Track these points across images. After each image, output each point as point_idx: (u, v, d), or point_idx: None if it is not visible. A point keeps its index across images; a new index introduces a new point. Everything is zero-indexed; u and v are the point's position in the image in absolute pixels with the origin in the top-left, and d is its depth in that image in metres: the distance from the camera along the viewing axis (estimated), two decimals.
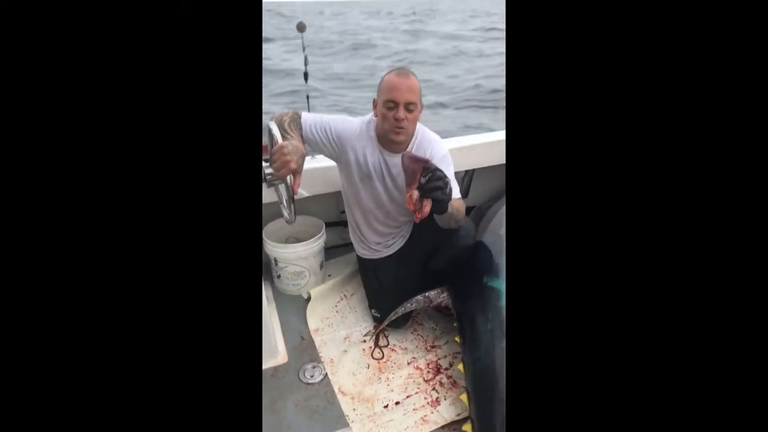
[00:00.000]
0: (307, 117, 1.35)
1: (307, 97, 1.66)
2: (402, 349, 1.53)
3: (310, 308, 1.69)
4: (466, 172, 1.94)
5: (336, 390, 1.36)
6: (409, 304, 1.46)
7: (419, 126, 1.37)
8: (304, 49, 1.55)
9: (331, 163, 1.52)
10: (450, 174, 1.34)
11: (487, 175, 2.00)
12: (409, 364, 1.46)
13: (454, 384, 1.38)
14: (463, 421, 1.20)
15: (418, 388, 1.37)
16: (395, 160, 1.37)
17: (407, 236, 1.59)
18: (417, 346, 1.53)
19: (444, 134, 1.54)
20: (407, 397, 1.34)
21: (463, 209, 1.33)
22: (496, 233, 1.48)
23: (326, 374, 1.41)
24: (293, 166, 1.06)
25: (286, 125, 1.28)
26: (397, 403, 1.32)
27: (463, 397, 1.21)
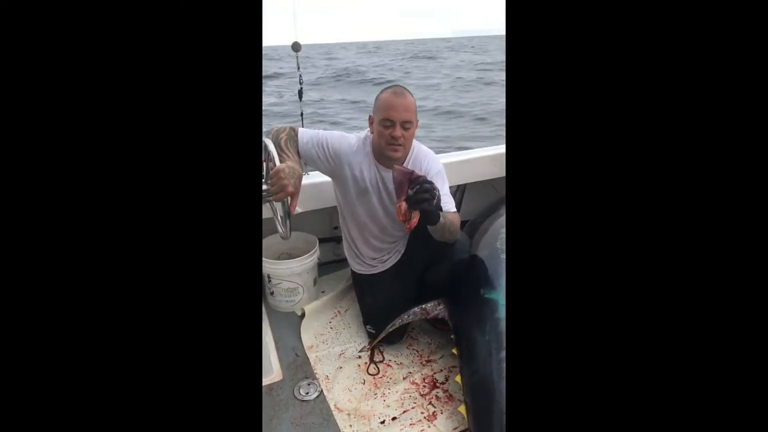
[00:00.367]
0: (303, 133, 1.37)
1: (302, 114, 1.69)
2: (397, 364, 1.52)
3: (304, 325, 1.67)
4: (458, 186, 1.97)
5: (332, 407, 1.34)
6: (406, 316, 1.46)
7: (415, 142, 1.40)
8: (298, 68, 1.58)
9: (325, 178, 1.53)
10: (445, 189, 1.37)
11: (478, 189, 2.04)
12: (404, 379, 1.45)
13: (450, 398, 1.37)
14: None
15: (415, 402, 1.36)
16: (391, 176, 1.39)
17: (402, 251, 1.60)
18: (412, 361, 1.53)
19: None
20: (404, 412, 1.33)
21: (458, 222, 1.35)
22: (491, 246, 1.50)
23: (321, 391, 1.39)
24: (291, 189, 1.08)
25: (282, 144, 1.29)
26: (394, 418, 1.31)
27: (461, 409, 1.21)
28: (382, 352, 1.55)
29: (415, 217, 1.08)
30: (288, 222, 1.21)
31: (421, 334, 1.65)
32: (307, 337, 1.63)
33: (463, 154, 2.00)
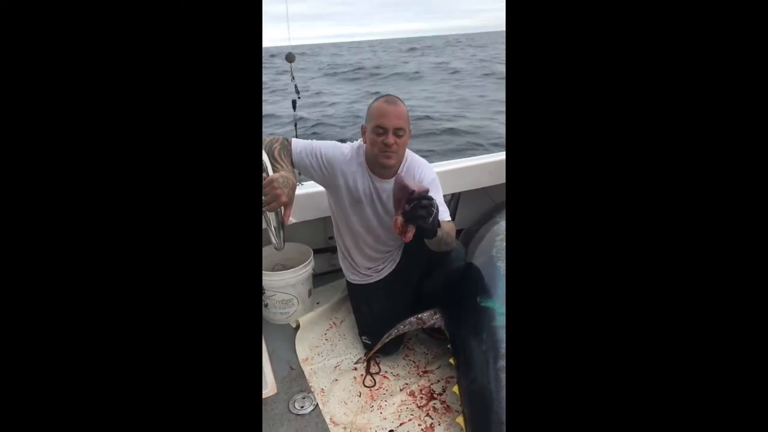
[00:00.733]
0: (297, 142, 1.36)
1: (295, 124, 1.68)
2: (394, 375, 1.50)
3: (299, 337, 1.65)
4: (453, 195, 1.97)
5: (327, 420, 1.31)
6: (402, 326, 1.45)
7: (408, 151, 1.40)
8: (293, 78, 1.59)
9: (319, 188, 1.53)
10: (439, 198, 1.36)
11: (473, 197, 2.04)
12: (401, 390, 1.43)
13: (448, 409, 1.35)
14: None
15: (412, 414, 1.34)
16: (385, 186, 1.39)
17: (398, 260, 1.59)
18: (409, 372, 1.51)
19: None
20: (401, 424, 1.30)
21: (453, 232, 1.34)
22: (487, 254, 1.49)
23: (317, 404, 1.37)
24: (284, 199, 1.07)
25: (276, 154, 1.29)
26: (391, 431, 1.28)
27: (460, 420, 1.19)
28: (378, 364, 1.53)
29: (411, 231, 1.07)
30: (282, 232, 1.20)
31: (418, 344, 1.63)
32: (302, 349, 1.60)
33: (458, 163, 2.01)
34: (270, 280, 1.66)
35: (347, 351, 1.60)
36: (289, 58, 1.53)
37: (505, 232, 1.57)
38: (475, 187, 1.99)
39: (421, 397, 1.40)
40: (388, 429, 1.29)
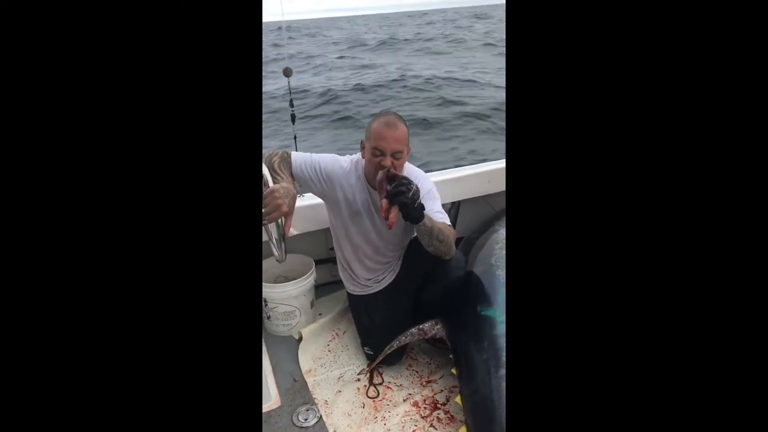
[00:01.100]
0: (296, 155, 1.38)
1: (295, 137, 1.70)
2: (397, 385, 1.49)
3: (302, 348, 1.65)
4: (453, 203, 1.98)
5: None
6: (403, 337, 1.45)
7: (406, 164, 1.41)
8: (290, 92, 1.60)
9: (319, 200, 1.54)
10: (437, 206, 1.37)
11: (474, 205, 2.04)
12: (405, 401, 1.42)
13: (452, 419, 1.35)
14: None
15: (416, 425, 1.33)
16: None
17: (397, 270, 1.59)
18: (412, 382, 1.50)
19: None
20: None
21: (451, 235, 1.34)
22: (486, 263, 1.50)
23: (321, 416, 1.37)
24: (285, 209, 1.08)
25: (276, 166, 1.30)
26: None
27: (463, 430, 1.18)
28: (381, 374, 1.53)
29: (394, 213, 1.11)
30: (283, 244, 1.21)
31: (421, 353, 1.63)
32: (305, 360, 1.60)
33: (457, 171, 2.02)
34: (272, 292, 1.66)
35: (350, 362, 1.60)
36: (287, 72, 1.55)
37: (503, 241, 1.58)
38: (474, 196, 2.00)
39: (425, 407, 1.39)
40: None
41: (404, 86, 8.80)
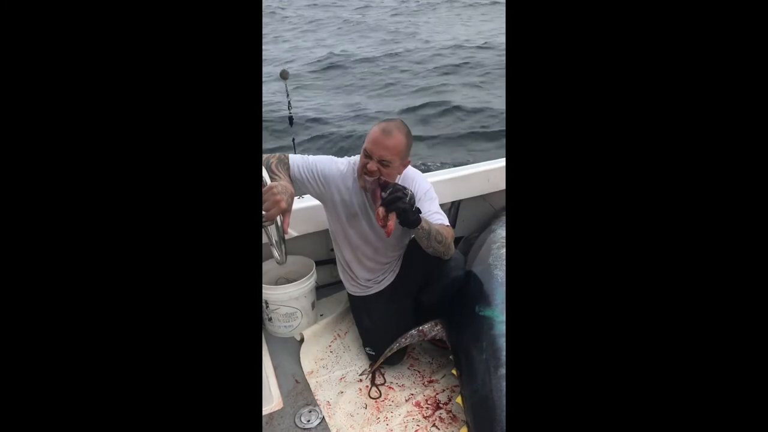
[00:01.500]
0: (294, 157, 1.38)
1: (293, 140, 1.70)
2: (399, 386, 1.50)
3: (304, 350, 1.66)
4: (452, 203, 1.98)
5: None
6: (403, 339, 1.45)
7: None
8: (287, 95, 1.60)
9: (319, 201, 1.54)
10: (435, 207, 1.37)
11: (473, 205, 2.04)
12: (407, 401, 1.43)
13: (454, 418, 1.35)
14: None
15: (418, 425, 1.34)
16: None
17: (397, 271, 1.60)
18: (414, 382, 1.51)
19: None
20: None
21: (450, 235, 1.34)
22: (484, 262, 1.50)
23: (323, 418, 1.37)
24: (284, 205, 1.08)
25: (273, 166, 1.30)
26: None
27: (464, 430, 1.19)
28: (383, 374, 1.53)
29: (392, 220, 1.12)
30: (283, 246, 1.21)
31: (422, 353, 1.63)
32: (307, 362, 1.61)
33: (456, 171, 2.01)
34: (273, 293, 1.67)
35: (352, 363, 1.61)
36: (283, 75, 1.54)
37: (501, 240, 1.58)
38: (474, 195, 2.00)
39: (427, 407, 1.40)
40: None
41: None
